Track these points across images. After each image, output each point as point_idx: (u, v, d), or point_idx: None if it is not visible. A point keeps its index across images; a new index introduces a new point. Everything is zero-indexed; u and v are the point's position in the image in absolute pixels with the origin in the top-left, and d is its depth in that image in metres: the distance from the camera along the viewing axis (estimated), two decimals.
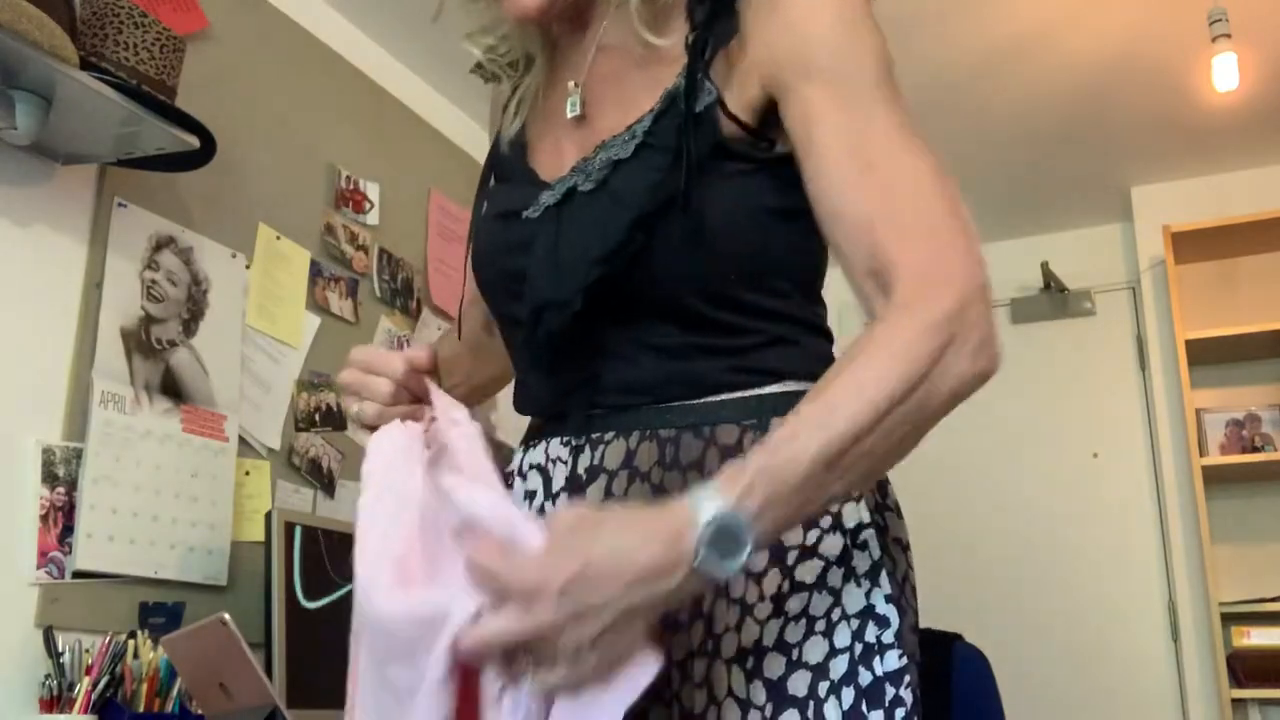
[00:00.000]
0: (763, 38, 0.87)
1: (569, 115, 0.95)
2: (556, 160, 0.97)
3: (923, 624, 3.60)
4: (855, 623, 0.84)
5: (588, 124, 0.95)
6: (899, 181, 0.81)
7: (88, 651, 1.69)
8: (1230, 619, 3.19)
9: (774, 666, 0.82)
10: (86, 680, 1.65)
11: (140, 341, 1.99)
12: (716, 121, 0.87)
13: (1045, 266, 3.85)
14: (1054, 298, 3.92)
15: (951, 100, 3.16)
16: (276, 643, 1.92)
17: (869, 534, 0.87)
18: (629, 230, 0.85)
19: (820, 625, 0.83)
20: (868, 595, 0.85)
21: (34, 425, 1.79)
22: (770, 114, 0.88)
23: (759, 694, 0.82)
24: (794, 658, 0.82)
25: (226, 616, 1.59)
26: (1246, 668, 3.11)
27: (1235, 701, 3.13)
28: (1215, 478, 3.32)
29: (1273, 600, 3.19)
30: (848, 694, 0.81)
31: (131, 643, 1.74)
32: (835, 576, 0.85)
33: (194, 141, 1.85)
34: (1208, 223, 3.42)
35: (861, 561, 0.86)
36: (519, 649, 0.69)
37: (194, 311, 2.12)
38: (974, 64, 2.99)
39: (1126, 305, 3.88)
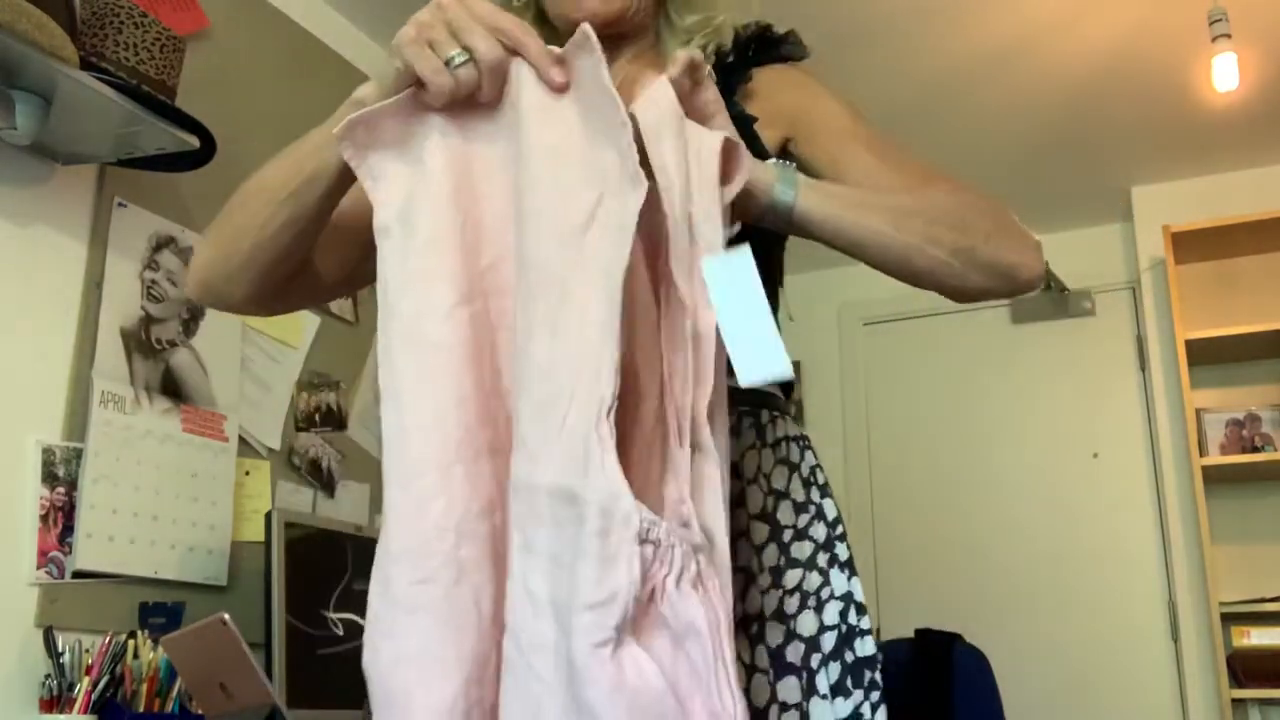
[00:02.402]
0: (786, 98, 1.07)
1: None
2: None
3: (923, 624, 3.63)
4: (840, 604, 0.94)
5: None
6: (920, 173, 1.02)
7: (88, 651, 1.69)
8: (1230, 619, 3.19)
9: (774, 635, 0.91)
10: (86, 680, 1.65)
11: (140, 341, 1.99)
12: (755, 133, 1.02)
13: (1045, 266, 3.85)
14: (1054, 298, 3.92)
15: (951, 100, 3.16)
16: (276, 643, 1.92)
17: (843, 529, 0.99)
18: None
19: (812, 601, 0.93)
20: (848, 581, 0.95)
21: (34, 425, 1.79)
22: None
23: (763, 659, 0.91)
24: (790, 629, 0.91)
25: (226, 616, 1.59)
26: (1246, 668, 3.11)
27: (1235, 701, 3.13)
28: (1215, 478, 3.32)
29: (1273, 600, 3.19)
30: (834, 668, 0.91)
31: (131, 643, 1.73)
32: (823, 559, 0.96)
33: (194, 141, 1.85)
34: (1207, 223, 3.42)
35: (842, 551, 0.97)
36: None
37: (194, 311, 2.11)
38: (974, 64, 2.99)
39: (1126, 305, 3.88)
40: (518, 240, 0.80)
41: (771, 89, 1.07)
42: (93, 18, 1.76)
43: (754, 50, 1.09)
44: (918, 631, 3.54)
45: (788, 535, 0.95)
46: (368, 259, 0.87)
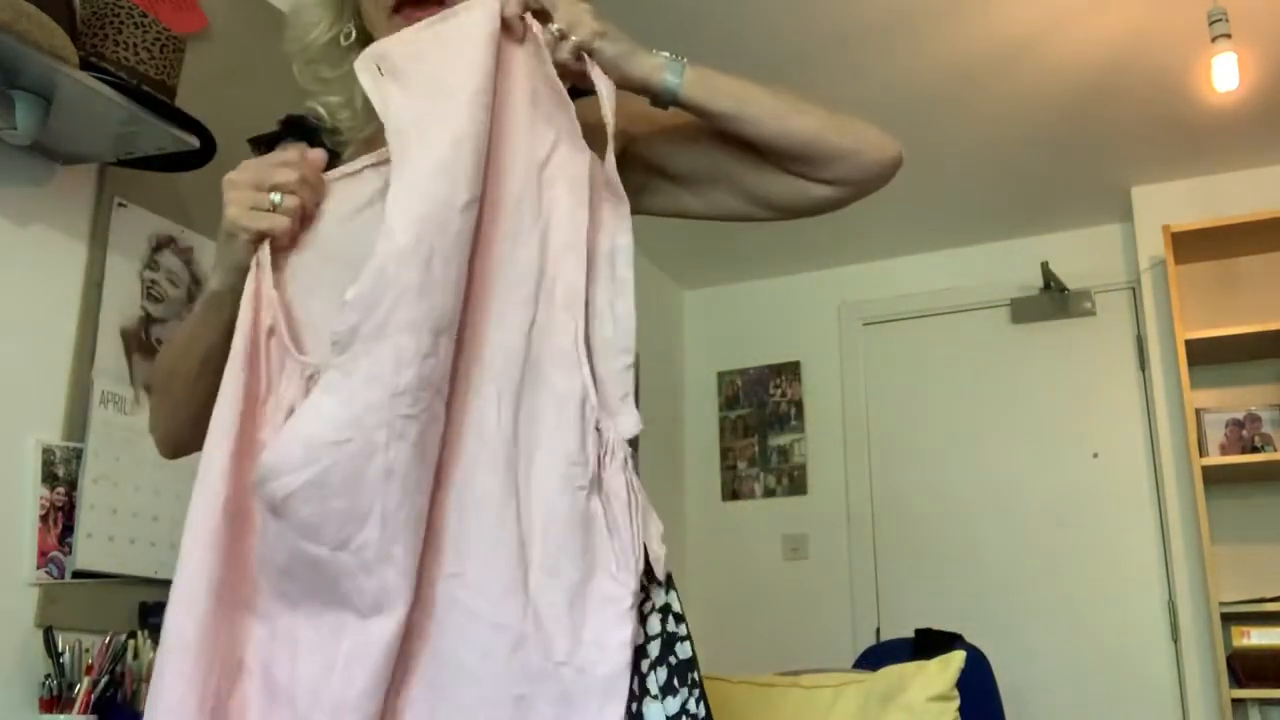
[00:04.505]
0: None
1: None
2: None
3: (923, 624, 3.63)
4: (660, 615, 1.06)
5: None
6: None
7: (88, 651, 1.69)
8: (1230, 619, 3.19)
9: None
10: (86, 680, 1.65)
11: (140, 341, 1.99)
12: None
13: (1045, 266, 3.85)
14: (1054, 298, 3.93)
15: (952, 100, 3.16)
16: None
17: (663, 552, 1.09)
18: None
19: (637, 615, 1.04)
20: (666, 594, 1.07)
21: (34, 425, 1.79)
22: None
23: None
24: None
25: None
26: (1246, 668, 3.11)
27: (1235, 701, 3.14)
28: (1215, 478, 3.32)
29: (1273, 600, 3.19)
30: (662, 671, 1.03)
31: (131, 643, 1.74)
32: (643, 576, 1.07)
33: (194, 141, 1.85)
34: (1207, 223, 3.43)
35: (659, 571, 1.08)
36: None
37: None
38: (975, 64, 2.99)
39: (1126, 305, 3.88)
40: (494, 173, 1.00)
41: (594, 113, 1.15)
42: (93, 18, 1.76)
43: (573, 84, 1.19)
44: (918, 631, 3.54)
45: None
46: None
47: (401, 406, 0.91)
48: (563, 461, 0.96)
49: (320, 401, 0.92)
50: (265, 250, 1.01)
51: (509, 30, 1.02)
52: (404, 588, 0.92)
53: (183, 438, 1.16)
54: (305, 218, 1.03)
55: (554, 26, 1.02)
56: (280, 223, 1.00)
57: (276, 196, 1.00)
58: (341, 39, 1.20)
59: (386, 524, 0.91)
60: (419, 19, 1.06)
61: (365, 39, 1.16)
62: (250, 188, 1.02)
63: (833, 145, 1.09)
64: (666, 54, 1.07)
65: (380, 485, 0.91)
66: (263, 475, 0.92)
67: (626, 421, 1.00)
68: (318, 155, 1.05)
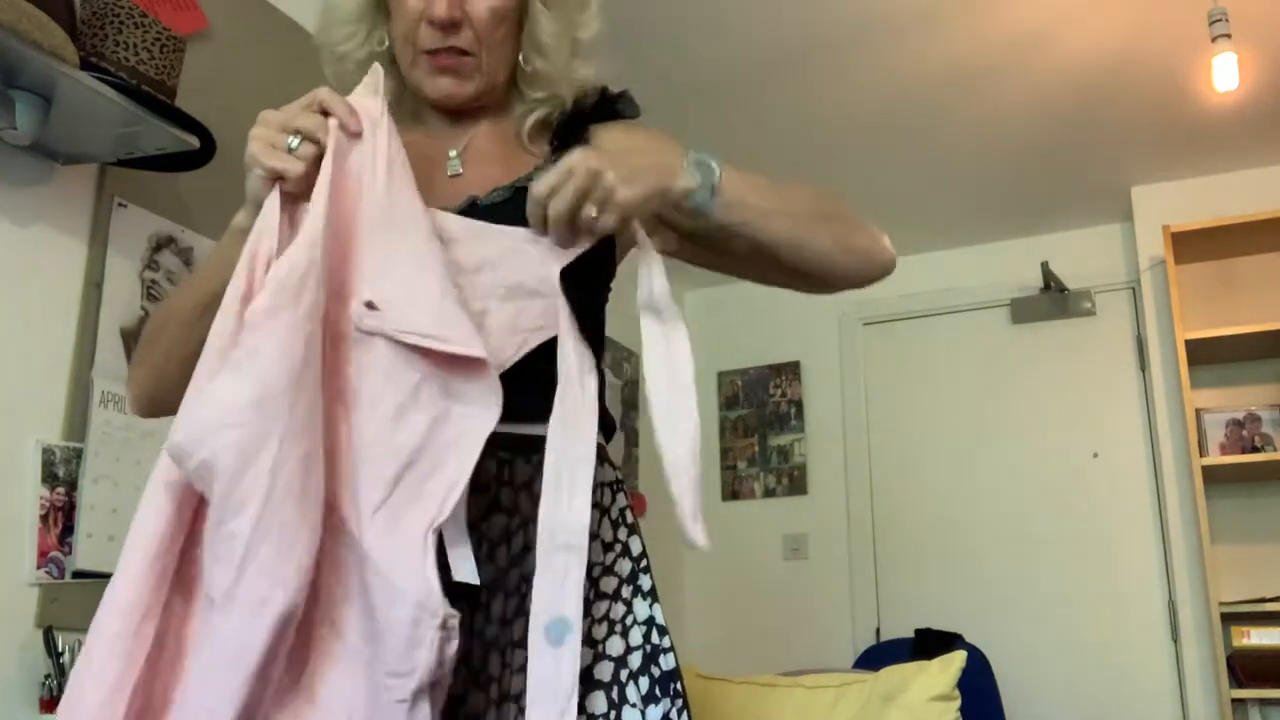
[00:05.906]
0: None
1: (450, 174, 1.18)
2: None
3: (923, 624, 3.63)
4: (644, 628, 1.08)
5: (460, 180, 1.16)
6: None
7: None
8: (1230, 619, 3.19)
9: (583, 658, 1.02)
10: None
11: None
12: None
13: (1045, 266, 3.85)
14: (1054, 298, 3.93)
15: (952, 101, 3.16)
16: None
17: (647, 563, 1.12)
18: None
19: (618, 628, 1.07)
20: (650, 608, 1.09)
21: (34, 425, 1.79)
22: None
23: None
24: (599, 651, 1.04)
25: None
26: (1246, 668, 3.12)
27: (1235, 701, 3.14)
28: (1215, 478, 3.32)
29: (1273, 600, 3.20)
30: (644, 681, 1.05)
31: None
32: (627, 591, 1.09)
33: (194, 141, 1.85)
34: (1207, 223, 3.43)
35: (645, 582, 1.11)
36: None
37: None
38: (975, 64, 2.99)
39: (1126, 305, 3.88)
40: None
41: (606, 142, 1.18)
42: (93, 18, 1.76)
43: (592, 109, 1.21)
44: (918, 631, 3.55)
45: (596, 571, 1.07)
46: None
47: (302, 403, 0.86)
48: (383, 674, 0.86)
49: (224, 380, 0.87)
50: (275, 192, 0.97)
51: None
52: (260, 590, 0.83)
53: (164, 391, 1.12)
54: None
55: (590, 210, 1.00)
56: (293, 166, 0.98)
57: (295, 140, 0.99)
58: (376, 45, 1.21)
59: (260, 522, 0.83)
60: (449, 66, 1.13)
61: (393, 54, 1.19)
62: (276, 127, 1.01)
63: (839, 265, 1.18)
64: (688, 158, 1.06)
65: (265, 481, 0.84)
66: (173, 456, 0.89)
67: (697, 535, 0.96)
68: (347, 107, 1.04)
